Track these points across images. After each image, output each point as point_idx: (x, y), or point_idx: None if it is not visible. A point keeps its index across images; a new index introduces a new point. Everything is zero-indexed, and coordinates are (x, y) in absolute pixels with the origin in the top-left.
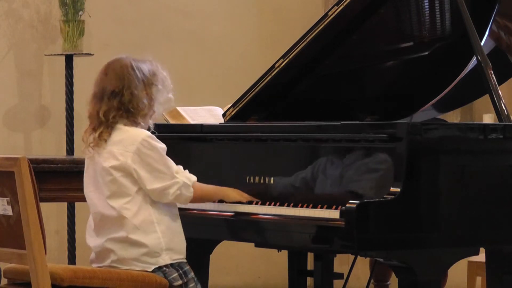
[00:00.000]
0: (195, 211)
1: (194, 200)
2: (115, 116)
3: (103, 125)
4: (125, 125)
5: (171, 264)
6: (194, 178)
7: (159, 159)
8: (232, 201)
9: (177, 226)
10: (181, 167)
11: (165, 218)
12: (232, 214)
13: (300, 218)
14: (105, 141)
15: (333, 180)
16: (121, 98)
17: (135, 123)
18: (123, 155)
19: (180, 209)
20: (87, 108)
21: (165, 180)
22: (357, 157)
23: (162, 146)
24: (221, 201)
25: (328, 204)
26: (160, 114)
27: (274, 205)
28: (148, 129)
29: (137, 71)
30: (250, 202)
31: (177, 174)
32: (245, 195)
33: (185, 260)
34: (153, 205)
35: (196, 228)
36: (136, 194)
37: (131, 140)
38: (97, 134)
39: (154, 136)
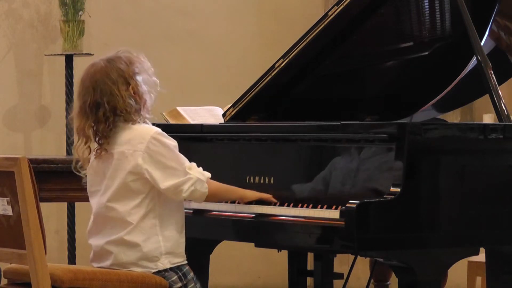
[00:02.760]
0: (195, 211)
1: (211, 196)
2: (106, 125)
3: (96, 136)
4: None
5: (170, 268)
6: (208, 174)
7: (170, 156)
8: (249, 200)
9: (181, 231)
10: (194, 164)
11: (170, 224)
12: (232, 214)
13: (300, 218)
14: (106, 150)
15: (333, 180)
16: (104, 107)
17: (132, 121)
18: (133, 155)
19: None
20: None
21: (179, 176)
22: (357, 157)
23: (172, 142)
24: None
25: (328, 204)
26: (153, 99)
27: (274, 205)
28: (155, 125)
29: (110, 71)
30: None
31: (190, 170)
32: (264, 195)
33: (185, 262)
34: (161, 210)
35: (196, 227)
36: (144, 199)
37: (140, 139)
38: (95, 147)
39: (163, 133)
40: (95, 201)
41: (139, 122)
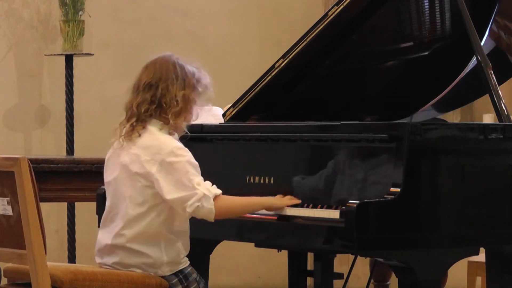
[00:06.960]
0: None
1: (221, 214)
2: (147, 110)
3: (136, 117)
4: (158, 125)
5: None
6: (217, 191)
7: (183, 171)
8: (278, 208)
9: (185, 242)
10: (208, 182)
11: (175, 235)
12: None
13: (300, 218)
14: (139, 134)
15: (333, 180)
16: (155, 91)
17: (166, 121)
18: (149, 163)
19: None
20: (87, 108)
21: (185, 190)
22: (357, 157)
23: (190, 160)
24: None
25: (328, 204)
26: (194, 119)
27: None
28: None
29: (178, 69)
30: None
31: (198, 186)
32: (286, 199)
33: (186, 265)
34: (166, 222)
35: (197, 227)
36: (152, 207)
37: (159, 149)
38: (129, 126)
39: (183, 148)
40: (115, 186)
41: (167, 129)
